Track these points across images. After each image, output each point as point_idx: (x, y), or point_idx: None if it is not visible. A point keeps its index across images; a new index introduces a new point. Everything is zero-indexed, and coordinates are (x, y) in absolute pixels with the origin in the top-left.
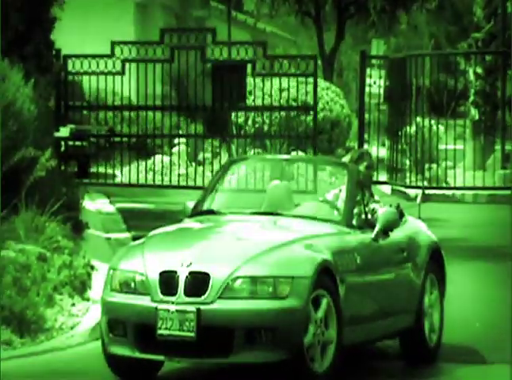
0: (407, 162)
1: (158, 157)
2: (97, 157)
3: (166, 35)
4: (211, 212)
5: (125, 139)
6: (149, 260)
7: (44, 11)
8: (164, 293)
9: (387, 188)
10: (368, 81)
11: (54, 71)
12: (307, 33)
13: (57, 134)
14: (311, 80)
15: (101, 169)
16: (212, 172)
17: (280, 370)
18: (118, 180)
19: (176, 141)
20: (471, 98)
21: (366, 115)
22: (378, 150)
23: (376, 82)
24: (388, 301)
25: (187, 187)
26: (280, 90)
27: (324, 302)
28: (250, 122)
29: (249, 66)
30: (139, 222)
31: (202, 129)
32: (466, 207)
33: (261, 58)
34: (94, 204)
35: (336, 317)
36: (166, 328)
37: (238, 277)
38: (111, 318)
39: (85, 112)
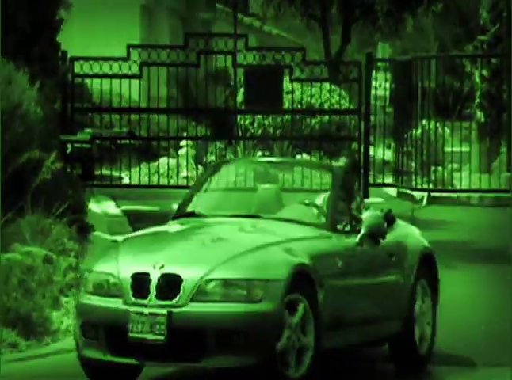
0: (413, 165)
1: (163, 159)
2: (102, 159)
3: (190, 39)
4: (192, 214)
5: (132, 141)
6: (122, 262)
7: (51, 13)
8: (136, 295)
9: (393, 191)
10: (373, 83)
11: (60, 73)
12: (313, 36)
13: (75, 138)
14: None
15: (107, 172)
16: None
17: (253, 374)
18: (124, 182)
19: (182, 143)
20: (477, 101)
21: (372, 118)
22: (384, 152)
23: (381, 85)
24: (373, 306)
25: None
26: (321, 95)
27: (300, 306)
28: (255, 124)
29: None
30: (145, 225)
31: (208, 131)
32: (472, 210)
33: (299, 63)
34: (100, 206)
35: (314, 322)
36: (136, 331)
37: (210, 280)
38: (84, 321)
39: (90, 114)
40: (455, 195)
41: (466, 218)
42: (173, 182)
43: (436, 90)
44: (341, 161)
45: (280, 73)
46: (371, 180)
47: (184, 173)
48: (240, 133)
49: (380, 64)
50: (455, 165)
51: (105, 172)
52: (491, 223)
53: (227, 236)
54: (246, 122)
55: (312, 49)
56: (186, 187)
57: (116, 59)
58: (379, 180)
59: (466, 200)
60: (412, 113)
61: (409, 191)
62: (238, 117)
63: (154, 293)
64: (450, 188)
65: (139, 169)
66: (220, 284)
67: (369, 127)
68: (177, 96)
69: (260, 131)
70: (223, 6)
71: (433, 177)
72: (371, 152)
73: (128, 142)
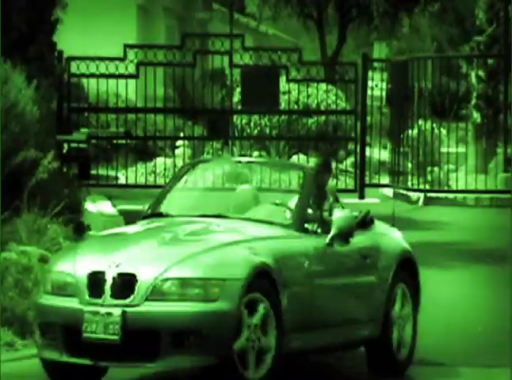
0: (409, 165)
1: (160, 159)
2: (98, 159)
3: (187, 39)
4: (160, 215)
5: (129, 141)
6: (79, 262)
7: (47, 13)
8: (91, 295)
9: (389, 191)
10: (370, 83)
11: (56, 73)
12: (309, 36)
13: (71, 138)
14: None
15: (103, 171)
16: (213, 174)
17: (210, 375)
18: (120, 182)
19: (179, 143)
20: (473, 101)
21: (368, 118)
22: (380, 152)
23: (378, 85)
24: (344, 309)
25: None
26: (318, 95)
27: (261, 306)
28: (252, 124)
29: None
30: None
31: (204, 131)
32: (468, 211)
33: (295, 63)
34: (96, 206)
35: (275, 323)
36: (91, 332)
37: (166, 279)
38: (42, 321)
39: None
40: (451, 195)
41: (462, 219)
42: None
43: (432, 91)
44: (313, 161)
45: (276, 73)
46: (367, 181)
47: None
48: (236, 133)
49: (376, 64)
50: (451, 166)
51: (102, 171)
52: (488, 224)
53: (188, 235)
54: (243, 122)
55: (308, 49)
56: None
57: (112, 59)
58: (375, 181)
59: (462, 201)
60: (408, 114)
61: (405, 192)
62: (235, 117)
63: (109, 292)
64: (446, 188)
65: (136, 168)
66: (176, 283)
67: (365, 128)
68: (173, 96)
69: (256, 131)
70: (220, 6)
71: (429, 178)
72: (367, 152)
73: (124, 141)
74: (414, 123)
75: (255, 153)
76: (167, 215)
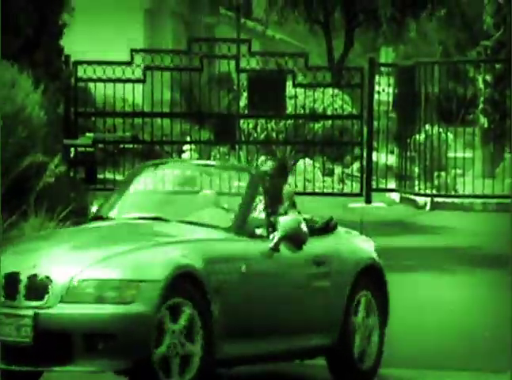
0: (416, 170)
1: None
2: (105, 163)
3: (194, 43)
4: (101, 218)
5: (135, 145)
6: (2, 262)
7: (54, 17)
8: (7, 296)
9: (395, 196)
10: (376, 88)
11: (63, 77)
12: (316, 40)
13: (77, 142)
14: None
15: (110, 175)
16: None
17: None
18: None
19: (185, 147)
20: (481, 106)
21: (375, 123)
22: (387, 157)
23: (384, 90)
24: (292, 317)
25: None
26: (324, 100)
27: (184, 311)
28: (258, 129)
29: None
30: None
31: (211, 136)
32: (475, 216)
33: (302, 68)
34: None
35: (203, 329)
36: (4, 334)
37: (82, 280)
38: None
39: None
40: (458, 200)
41: (469, 224)
42: None
43: (439, 95)
44: (268, 165)
45: (283, 78)
46: (373, 185)
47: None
48: (243, 137)
49: (383, 69)
50: (458, 171)
51: (108, 175)
52: (494, 229)
53: (114, 237)
54: (249, 126)
55: (315, 53)
56: (188, 191)
57: (119, 63)
58: (382, 185)
59: (469, 206)
60: (415, 118)
61: (412, 197)
62: (241, 122)
63: (23, 293)
64: (453, 193)
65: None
66: (92, 285)
67: (372, 132)
68: (180, 100)
69: (263, 136)
70: (227, 11)
71: (436, 183)
72: (374, 157)
73: (131, 146)
74: (421, 128)
75: (262, 158)
76: (108, 218)
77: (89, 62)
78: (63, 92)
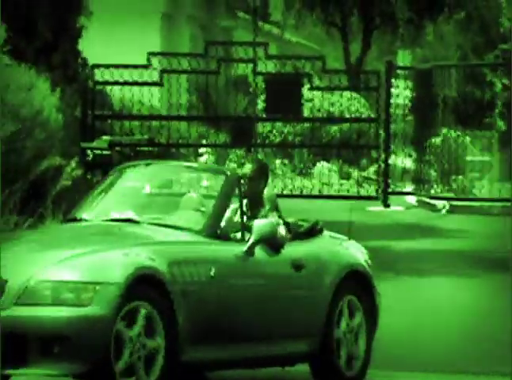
0: (433, 173)
1: None
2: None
3: (210, 47)
4: (74, 220)
5: (152, 148)
6: None
7: (71, 20)
8: None
9: (413, 199)
10: (393, 91)
11: (81, 80)
12: (332, 44)
13: (94, 145)
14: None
15: None
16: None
17: None
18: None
19: (202, 150)
20: (498, 109)
21: (392, 126)
22: (404, 160)
23: (401, 93)
24: (267, 322)
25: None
26: (341, 103)
27: (145, 314)
28: (275, 132)
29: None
30: None
31: (228, 139)
32: (492, 219)
33: (319, 71)
34: (120, 213)
35: (165, 333)
36: None
37: (39, 281)
38: None
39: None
40: (475, 204)
41: (486, 227)
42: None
43: (456, 99)
44: (246, 168)
45: (299, 81)
46: (391, 189)
47: (203, 181)
48: (260, 140)
49: (400, 72)
50: (475, 174)
51: None
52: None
53: (78, 239)
54: (266, 129)
55: (332, 56)
56: (205, 194)
57: (136, 67)
58: (399, 189)
59: (486, 209)
60: (433, 122)
61: (429, 200)
62: (258, 125)
63: None
64: (470, 196)
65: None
66: (49, 286)
67: (389, 136)
68: (197, 103)
69: (279, 139)
70: (244, 14)
71: (453, 186)
72: (391, 160)
73: (147, 149)
74: (438, 131)
75: (278, 161)
76: (80, 220)
77: (107, 66)
78: (81, 95)
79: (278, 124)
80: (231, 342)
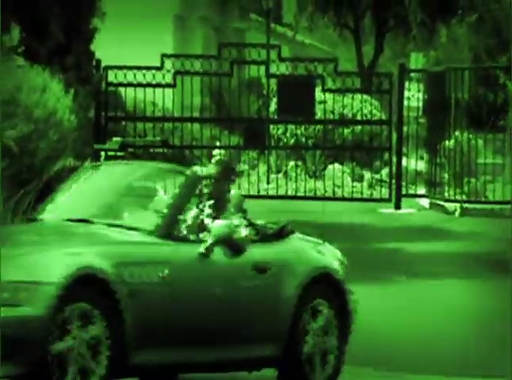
0: (446, 176)
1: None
2: None
3: (223, 48)
4: (34, 220)
5: (165, 150)
6: None
7: (84, 22)
8: None
9: (425, 202)
10: (406, 94)
11: (94, 82)
12: (345, 46)
13: (105, 147)
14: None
15: None
16: (249, 183)
17: None
18: None
19: (215, 152)
20: (511, 112)
21: (404, 129)
22: (416, 163)
23: (414, 95)
24: (225, 325)
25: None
26: (354, 105)
27: (88, 315)
28: (288, 134)
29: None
30: None
31: (241, 141)
32: (505, 222)
33: (331, 73)
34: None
35: (110, 335)
36: None
37: None
38: None
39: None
40: (488, 206)
41: (499, 230)
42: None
43: (469, 101)
44: (211, 168)
45: (312, 83)
46: (403, 191)
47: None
48: (273, 142)
49: (413, 75)
50: (488, 177)
51: None
52: None
53: (25, 239)
54: (279, 131)
55: (345, 59)
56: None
57: (149, 68)
58: (411, 191)
59: (499, 212)
60: (445, 124)
61: (442, 203)
62: (271, 127)
63: None
64: (483, 199)
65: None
66: None
67: (402, 138)
68: (210, 105)
69: (292, 141)
70: (257, 16)
71: (466, 189)
72: (403, 162)
73: (161, 150)
74: (451, 134)
75: (291, 163)
76: (37, 220)
77: (120, 67)
78: (94, 96)
79: (291, 126)
80: (186, 345)
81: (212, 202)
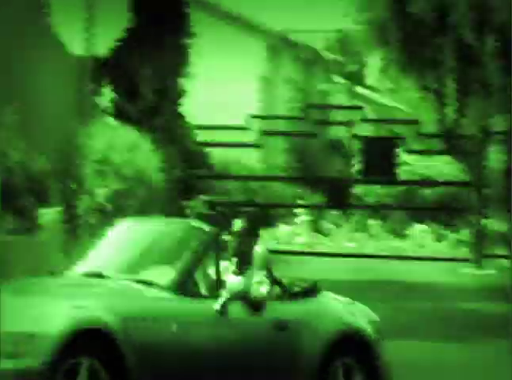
0: None
1: (282, 226)
2: (220, 225)
3: (308, 110)
4: (56, 273)
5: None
6: None
7: (173, 83)
8: None
9: (506, 262)
10: (488, 155)
11: (182, 141)
12: (426, 106)
13: (193, 204)
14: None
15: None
16: (332, 241)
17: None
18: None
19: (299, 210)
20: None
21: (487, 190)
22: (499, 224)
23: (497, 157)
24: None
25: (310, 254)
26: (436, 167)
27: (86, 370)
28: (371, 194)
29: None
30: None
31: (324, 200)
32: None
33: (413, 135)
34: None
35: None
36: None
37: None
38: None
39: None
40: None
41: None
42: (290, 248)
43: None
44: (237, 225)
45: (395, 144)
46: (484, 252)
47: (301, 240)
48: (355, 201)
49: (496, 136)
50: None
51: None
52: None
53: (35, 291)
54: (361, 191)
55: (427, 120)
56: (302, 252)
57: (236, 128)
58: (493, 252)
59: None
60: None
61: None
62: (354, 186)
63: None
64: None
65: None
66: None
67: (484, 199)
68: (294, 164)
69: (374, 200)
70: (340, 78)
71: None
72: (485, 223)
73: (246, 208)
74: None
75: (372, 222)
76: (55, 273)
77: (207, 127)
78: (183, 155)
79: (374, 186)
80: None
81: (236, 258)
